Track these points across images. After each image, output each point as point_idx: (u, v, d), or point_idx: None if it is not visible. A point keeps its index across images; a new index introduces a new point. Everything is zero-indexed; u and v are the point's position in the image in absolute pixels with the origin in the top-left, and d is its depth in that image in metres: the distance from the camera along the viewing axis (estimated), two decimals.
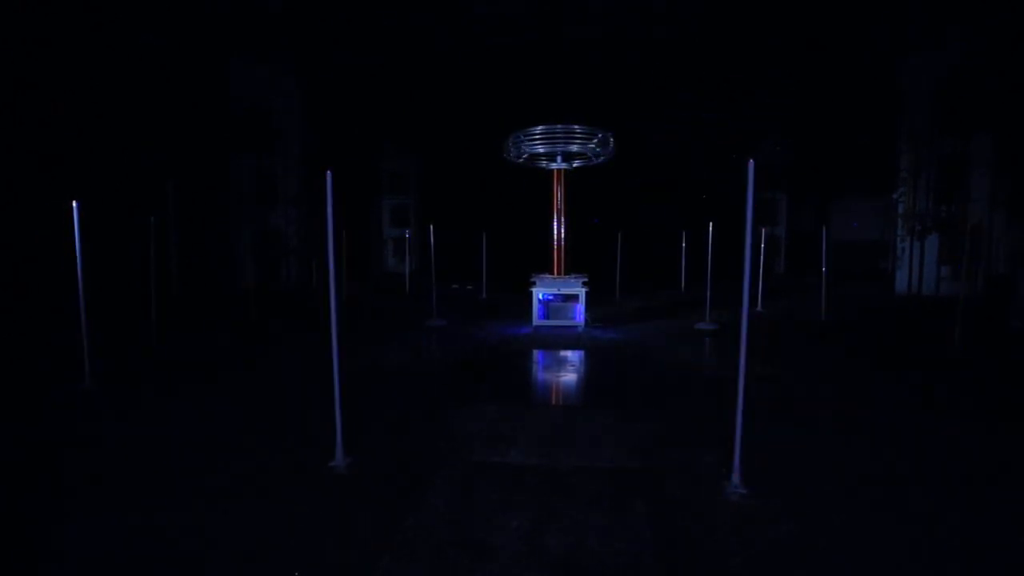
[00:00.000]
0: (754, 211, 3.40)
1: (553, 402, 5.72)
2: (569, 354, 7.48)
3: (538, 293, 8.95)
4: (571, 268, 9.67)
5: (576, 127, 8.48)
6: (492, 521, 3.11)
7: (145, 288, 8.04)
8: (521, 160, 9.21)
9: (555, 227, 9.44)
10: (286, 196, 15.26)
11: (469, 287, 14.19)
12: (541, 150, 8.78)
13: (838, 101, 15.97)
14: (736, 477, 3.42)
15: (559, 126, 8.49)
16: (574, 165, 9.36)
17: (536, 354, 7.54)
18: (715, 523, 3.11)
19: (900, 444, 4.27)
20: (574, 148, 8.79)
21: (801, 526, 3.06)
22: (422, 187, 21.38)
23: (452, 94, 16.48)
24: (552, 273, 9.40)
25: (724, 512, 3.23)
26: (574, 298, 8.92)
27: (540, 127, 8.50)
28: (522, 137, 8.66)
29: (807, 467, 3.83)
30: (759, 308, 10.75)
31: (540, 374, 6.84)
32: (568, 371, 6.79)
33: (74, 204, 5.51)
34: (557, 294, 8.97)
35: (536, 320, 8.96)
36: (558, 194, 9.36)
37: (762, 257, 11.53)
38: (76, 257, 5.59)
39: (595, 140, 8.56)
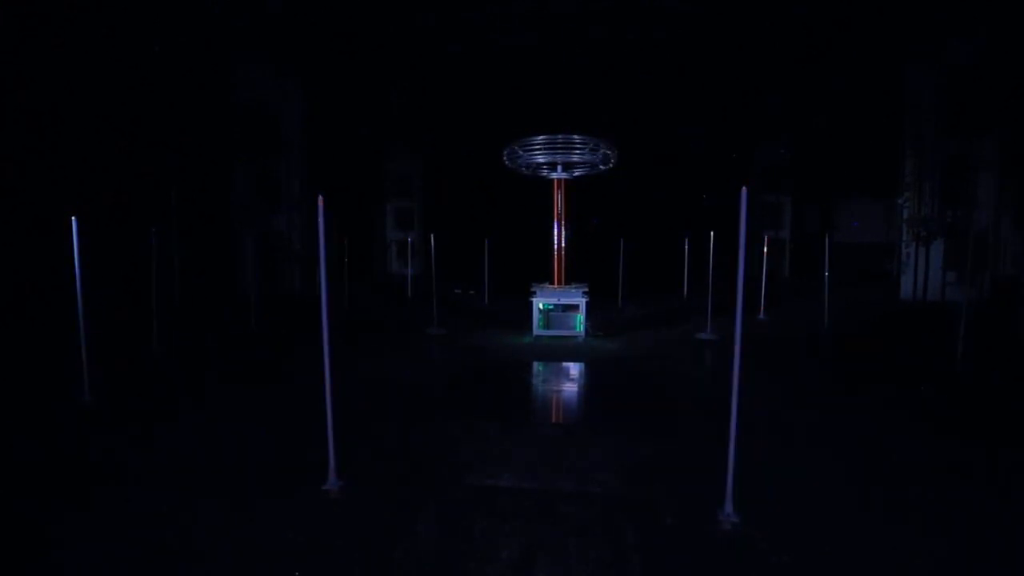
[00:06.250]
0: (752, 225, 3.38)
1: (548, 420, 5.71)
2: (567, 367, 7.46)
3: (538, 303, 8.91)
4: (573, 274, 9.63)
5: (575, 137, 8.42)
6: (481, 550, 3.10)
7: (147, 296, 8.07)
8: (522, 170, 9.18)
9: (555, 236, 9.41)
10: (289, 200, 15.28)
11: (471, 292, 14.17)
12: (541, 160, 8.76)
13: (842, 103, 15.85)
14: (728, 505, 3.40)
15: (559, 136, 8.43)
16: (575, 174, 9.32)
17: (534, 366, 7.53)
18: (706, 554, 3.09)
19: (900, 470, 4.23)
20: (575, 158, 8.75)
21: (795, 557, 3.04)
22: (425, 190, 21.38)
23: (456, 97, 16.49)
24: (552, 283, 9.37)
25: (716, 542, 3.21)
26: (574, 308, 8.89)
27: (540, 137, 8.45)
28: (519, 150, 8.62)
29: (802, 493, 3.79)
30: (761, 316, 10.67)
31: (538, 388, 6.83)
32: (565, 386, 6.78)
33: (72, 220, 5.54)
34: (557, 304, 8.93)
35: (536, 330, 8.94)
36: (558, 203, 9.33)
37: (764, 263, 11.41)
38: (75, 272, 5.61)
39: (597, 151, 8.51)
